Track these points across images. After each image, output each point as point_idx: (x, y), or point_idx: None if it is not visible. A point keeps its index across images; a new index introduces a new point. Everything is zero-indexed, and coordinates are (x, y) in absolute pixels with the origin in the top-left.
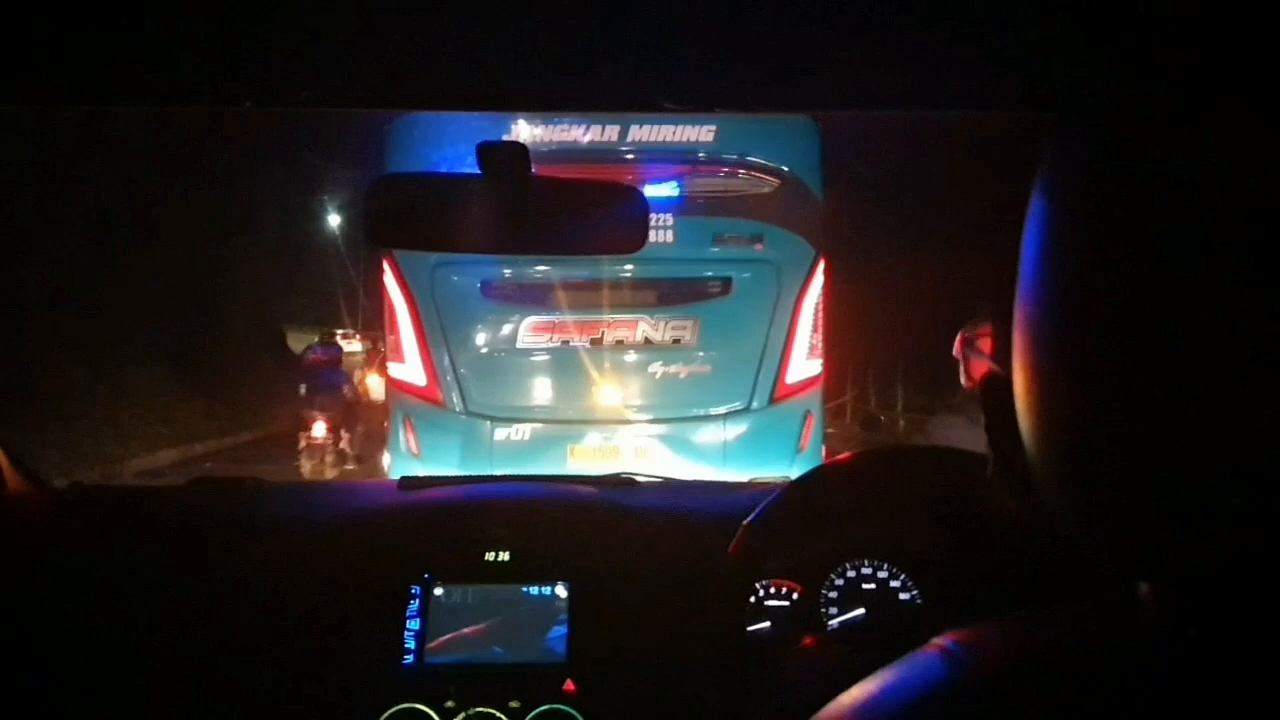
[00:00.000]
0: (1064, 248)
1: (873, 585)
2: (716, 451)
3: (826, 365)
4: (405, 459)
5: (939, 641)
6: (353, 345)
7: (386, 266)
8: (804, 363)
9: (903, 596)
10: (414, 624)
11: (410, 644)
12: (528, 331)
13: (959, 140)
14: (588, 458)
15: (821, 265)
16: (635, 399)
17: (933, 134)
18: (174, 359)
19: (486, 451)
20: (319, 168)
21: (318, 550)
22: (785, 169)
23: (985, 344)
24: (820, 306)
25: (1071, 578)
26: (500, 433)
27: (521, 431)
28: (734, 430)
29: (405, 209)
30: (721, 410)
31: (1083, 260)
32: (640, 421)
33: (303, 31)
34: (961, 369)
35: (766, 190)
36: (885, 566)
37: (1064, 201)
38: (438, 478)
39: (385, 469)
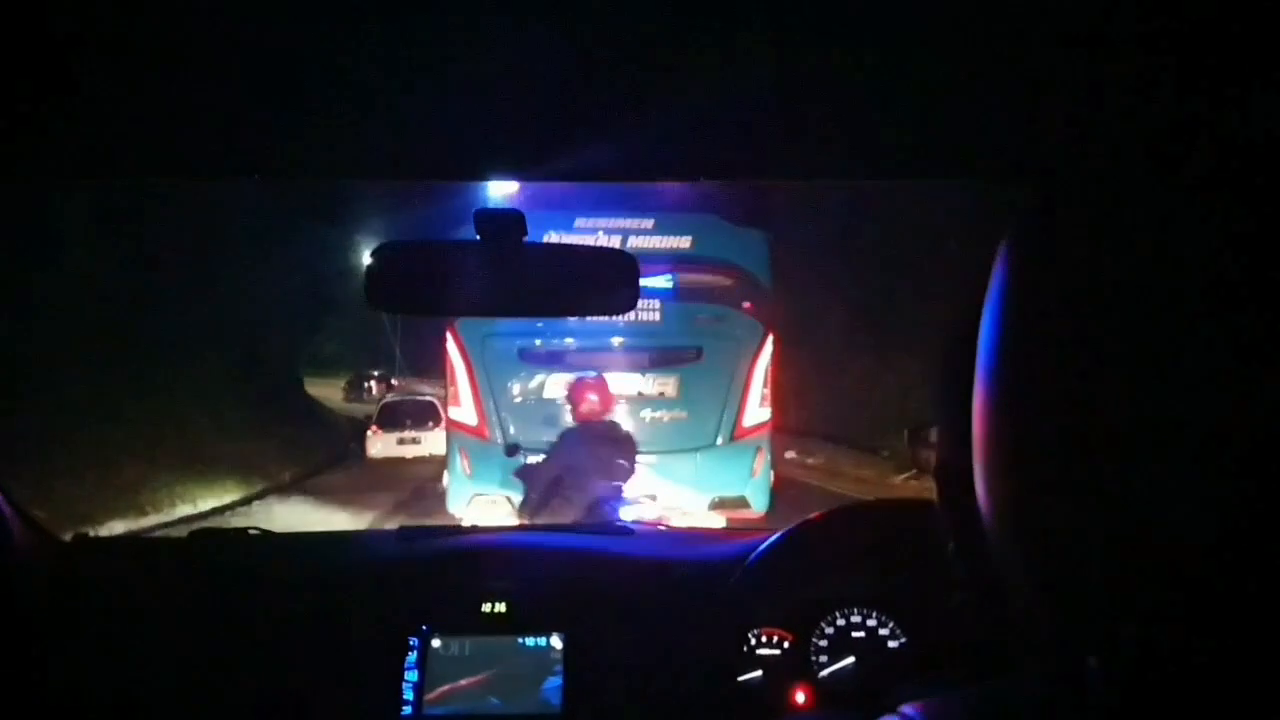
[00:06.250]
0: (1024, 330)
1: (862, 633)
2: (690, 476)
3: (776, 413)
4: (460, 479)
5: (904, 710)
6: None
7: (449, 335)
8: (757, 411)
9: (891, 644)
10: (412, 675)
11: (408, 695)
12: (552, 386)
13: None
14: None
15: (770, 338)
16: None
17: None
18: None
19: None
20: (358, 225)
21: (318, 601)
22: (743, 267)
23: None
24: (770, 369)
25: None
26: (531, 460)
27: None
28: (704, 460)
29: (406, 274)
30: (695, 445)
31: (1039, 342)
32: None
33: (344, 111)
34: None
35: (729, 283)
36: (874, 614)
37: (1025, 283)
38: (436, 528)
39: (444, 486)
